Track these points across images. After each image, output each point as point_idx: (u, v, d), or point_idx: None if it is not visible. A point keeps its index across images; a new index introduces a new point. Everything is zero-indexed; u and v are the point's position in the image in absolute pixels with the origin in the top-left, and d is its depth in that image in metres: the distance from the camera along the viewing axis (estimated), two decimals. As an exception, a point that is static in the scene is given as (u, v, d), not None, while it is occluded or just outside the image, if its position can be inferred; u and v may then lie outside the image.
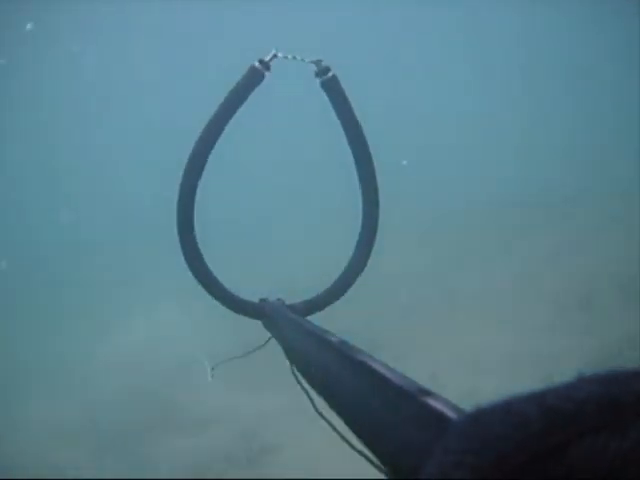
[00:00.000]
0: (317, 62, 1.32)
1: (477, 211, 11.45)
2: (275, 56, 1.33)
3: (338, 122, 1.40)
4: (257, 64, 1.34)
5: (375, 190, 1.47)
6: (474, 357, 6.52)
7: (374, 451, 0.54)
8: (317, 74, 1.34)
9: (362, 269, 1.55)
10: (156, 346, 8.29)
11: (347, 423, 0.62)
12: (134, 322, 9.45)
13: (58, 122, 17.68)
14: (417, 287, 8.94)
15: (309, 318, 1.30)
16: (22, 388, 7.77)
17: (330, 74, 1.33)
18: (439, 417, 0.44)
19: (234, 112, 1.35)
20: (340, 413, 0.66)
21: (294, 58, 1.32)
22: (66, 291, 11.75)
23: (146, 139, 17.43)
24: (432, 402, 0.47)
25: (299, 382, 1.00)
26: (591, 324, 6.30)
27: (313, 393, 0.86)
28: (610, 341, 5.75)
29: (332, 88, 1.34)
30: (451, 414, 0.44)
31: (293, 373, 1.03)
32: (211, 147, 1.35)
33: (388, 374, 0.55)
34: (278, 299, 1.41)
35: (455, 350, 6.84)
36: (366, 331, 7.75)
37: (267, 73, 1.34)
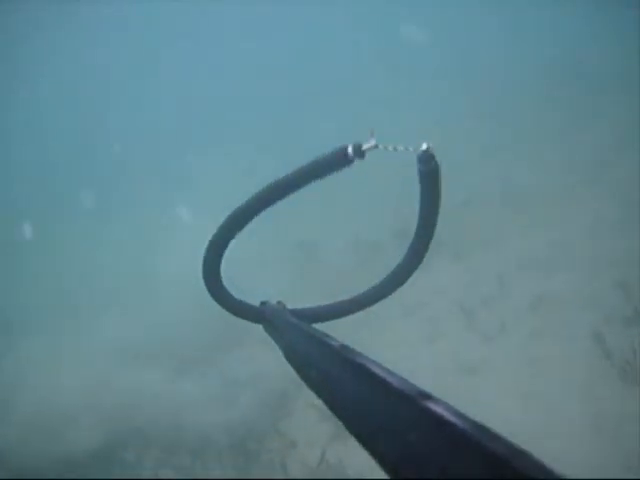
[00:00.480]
0: (426, 150, 1.16)
1: (533, 92, 10.70)
2: (376, 147, 1.15)
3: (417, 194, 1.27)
4: (350, 149, 1.16)
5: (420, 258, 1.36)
6: (541, 258, 6.29)
7: (374, 454, 0.55)
8: (419, 160, 1.18)
9: (386, 296, 1.41)
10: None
11: (347, 427, 0.63)
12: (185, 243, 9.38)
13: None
14: (473, 178, 8.59)
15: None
16: (93, 309, 8.08)
17: (433, 163, 1.18)
18: (439, 421, 0.46)
19: (300, 187, 1.22)
20: (341, 417, 0.67)
21: (395, 149, 1.15)
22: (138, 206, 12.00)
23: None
24: (432, 406, 0.48)
25: None
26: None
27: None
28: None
29: (430, 174, 1.21)
30: (451, 418, 0.45)
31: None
32: (261, 211, 1.25)
33: (389, 378, 0.57)
34: (278, 302, 1.37)
35: (521, 250, 6.63)
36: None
37: (357, 160, 1.17)
